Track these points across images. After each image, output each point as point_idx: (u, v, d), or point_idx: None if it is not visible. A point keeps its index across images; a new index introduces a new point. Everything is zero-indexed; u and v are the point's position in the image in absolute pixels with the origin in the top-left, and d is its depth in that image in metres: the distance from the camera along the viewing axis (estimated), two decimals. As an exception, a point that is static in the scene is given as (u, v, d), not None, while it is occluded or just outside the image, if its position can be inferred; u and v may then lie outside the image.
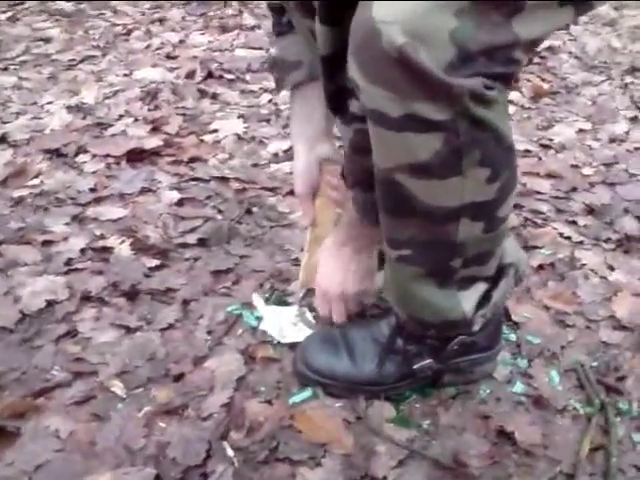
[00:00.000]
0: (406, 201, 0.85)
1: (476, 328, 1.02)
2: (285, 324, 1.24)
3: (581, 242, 1.52)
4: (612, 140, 2.02)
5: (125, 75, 2.38)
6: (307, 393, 1.10)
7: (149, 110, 2.11)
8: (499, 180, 0.84)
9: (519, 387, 1.13)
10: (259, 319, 1.26)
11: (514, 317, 1.26)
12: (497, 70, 0.75)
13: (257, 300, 1.29)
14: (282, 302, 1.31)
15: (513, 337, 1.23)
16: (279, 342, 1.20)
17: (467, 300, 0.98)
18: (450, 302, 0.97)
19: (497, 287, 1.01)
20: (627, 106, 2.26)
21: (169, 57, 2.56)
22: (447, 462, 0.99)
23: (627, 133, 2.07)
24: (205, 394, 1.09)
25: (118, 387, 1.09)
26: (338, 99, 0.94)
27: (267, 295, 1.32)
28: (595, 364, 1.18)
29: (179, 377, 1.12)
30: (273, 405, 1.08)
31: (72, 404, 1.07)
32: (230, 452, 0.99)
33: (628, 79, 2.48)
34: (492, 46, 0.73)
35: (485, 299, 1.01)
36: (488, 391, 1.12)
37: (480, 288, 1.00)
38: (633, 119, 2.16)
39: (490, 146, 0.81)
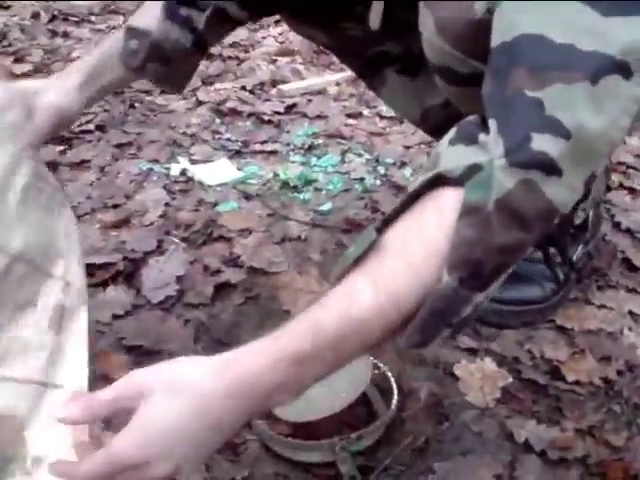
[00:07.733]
0: None
1: None
2: (215, 171, 1.51)
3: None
4: None
5: (-34, 25, 2.45)
6: (232, 205, 1.38)
7: (4, 47, 2.23)
8: None
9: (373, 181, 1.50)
10: (168, 169, 1.52)
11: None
12: None
13: (183, 162, 1.54)
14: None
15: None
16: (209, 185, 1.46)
17: None
18: None
19: None
20: None
21: (2, 7, 2.64)
22: (342, 223, 1.33)
23: None
24: (142, 213, 1.34)
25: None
26: None
27: (168, 156, 1.58)
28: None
29: (117, 206, 1.37)
30: (200, 211, 1.36)
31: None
32: (176, 240, 1.26)
33: None
34: None
35: None
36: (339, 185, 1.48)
37: None
38: None
39: None
